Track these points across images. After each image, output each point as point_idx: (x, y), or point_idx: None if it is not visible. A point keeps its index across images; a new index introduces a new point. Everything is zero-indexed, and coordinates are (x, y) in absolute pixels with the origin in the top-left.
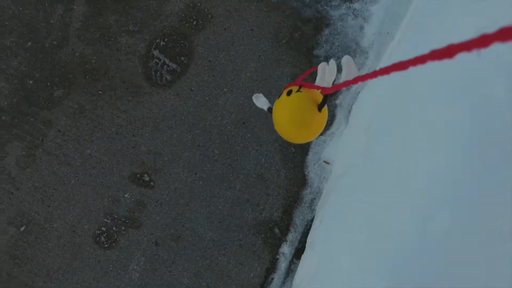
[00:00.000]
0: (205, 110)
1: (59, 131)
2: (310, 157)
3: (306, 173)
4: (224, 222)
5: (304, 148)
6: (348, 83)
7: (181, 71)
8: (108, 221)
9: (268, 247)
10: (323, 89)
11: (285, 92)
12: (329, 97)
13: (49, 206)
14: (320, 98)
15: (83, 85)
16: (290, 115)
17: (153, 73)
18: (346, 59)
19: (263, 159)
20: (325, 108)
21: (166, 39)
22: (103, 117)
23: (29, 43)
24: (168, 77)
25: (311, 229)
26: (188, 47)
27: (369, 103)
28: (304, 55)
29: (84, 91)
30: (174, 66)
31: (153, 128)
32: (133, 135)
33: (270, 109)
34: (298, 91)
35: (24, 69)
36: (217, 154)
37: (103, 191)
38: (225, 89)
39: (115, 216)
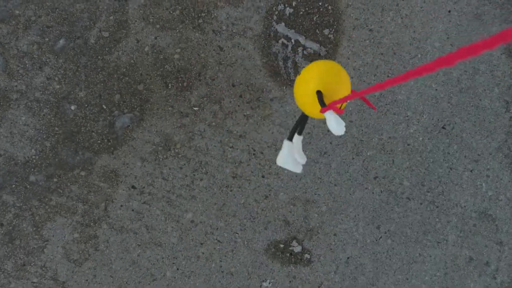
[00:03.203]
0: (376, 114)
1: (134, 187)
2: None
3: None
4: None
5: None
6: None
7: (327, 53)
8: None
9: None
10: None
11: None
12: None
13: None
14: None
15: (164, 100)
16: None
17: (280, 62)
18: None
19: (483, 184)
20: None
21: (293, 3)
22: (206, 151)
23: (61, 41)
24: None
25: None
26: (332, 11)
27: None
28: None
29: (167, 110)
30: (315, 46)
31: None
32: (263, 176)
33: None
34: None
35: (57, 87)
36: (409, 188)
37: (227, 282)
38: None
39: None
